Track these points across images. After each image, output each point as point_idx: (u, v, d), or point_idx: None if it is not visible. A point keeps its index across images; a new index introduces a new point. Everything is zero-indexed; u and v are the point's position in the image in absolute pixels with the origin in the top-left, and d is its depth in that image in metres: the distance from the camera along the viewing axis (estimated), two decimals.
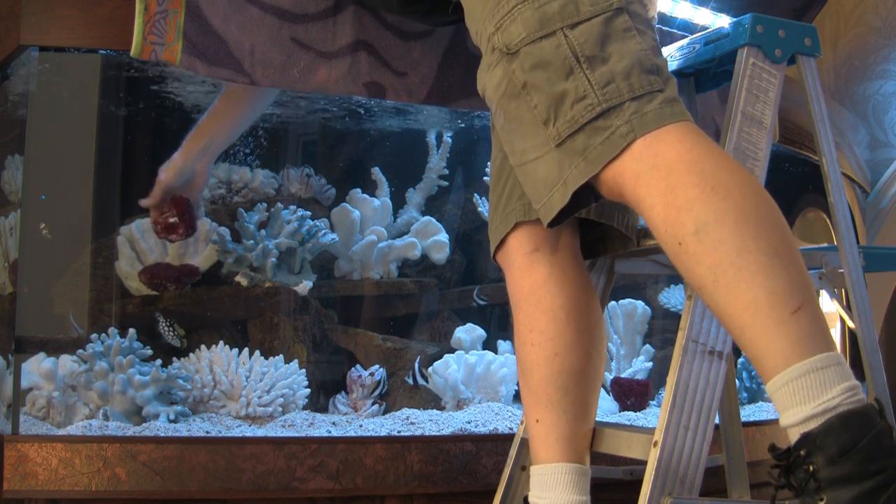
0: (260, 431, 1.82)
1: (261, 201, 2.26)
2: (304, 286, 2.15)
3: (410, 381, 2.11)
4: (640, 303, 2.54)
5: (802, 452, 0.92)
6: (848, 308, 1.36)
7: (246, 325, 2.18)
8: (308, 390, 2.03)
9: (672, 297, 2.68)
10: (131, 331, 1.89)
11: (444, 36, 1.73)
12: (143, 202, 1.78)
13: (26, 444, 1.59)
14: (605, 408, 2.26)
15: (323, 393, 2.16)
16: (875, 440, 0.92)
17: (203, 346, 1.99)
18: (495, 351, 2.27)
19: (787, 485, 0.95)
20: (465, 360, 2.15)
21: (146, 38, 1.51)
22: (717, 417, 1.35)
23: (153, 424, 1.78)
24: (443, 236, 2.42)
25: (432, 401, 2.13)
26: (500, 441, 1.79)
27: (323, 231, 2.26)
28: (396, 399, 2.15)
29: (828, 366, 0.94)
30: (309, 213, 2.25)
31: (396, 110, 2.40)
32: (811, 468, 0.92)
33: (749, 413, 2.43)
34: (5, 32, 1.70)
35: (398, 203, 2.47)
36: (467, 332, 2.29)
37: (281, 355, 2.03)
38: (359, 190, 2.39)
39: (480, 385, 2.15)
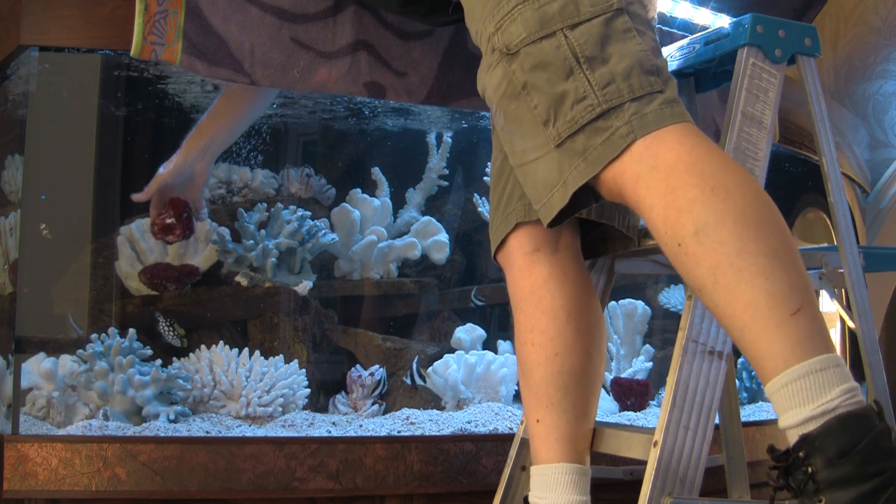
0: (260, 431, 1.82)
1: (261, 201, 2.26)
2: (304, 286, 2.15)
3: (408, 381, 2.11)
4: (640, 303, 2.54)
5: (801, 454, 0.92)
6: (848, 308, 1.36)
7: (246, 325, 2.18)
8: (308, 390, 2.03)
9: (672, 297, 2.68)
10: (131, 331, 1.89)
11: (444, 36, 1.73)
12: (136, 196, 1.77)
13: (26, 444, 1.59)
14: (605, 408, 2.26)
15: (323, 393, 2.16)
16: (874, 442, 0.92)
17: (203, 346, 1.99)
18: (495, 351, 2.27)
19: (785, 486, 0.95)
20: (465, 360, 2.15)
21: (146, 38, 1.51)
22: (717, 417, 1.35)
23: (153, 424, 1.78)
24: (443, 236, 2.42)
25: (432, 401, 2.13)
26: (500, 441, 1.79)
27: (323, 231, 2.26)
28: (396, 399, 2.15)
29: (827, 367, 0.94)
30: (309, 213, 2.25)
31: (396, 110, 2.40)
32: (810, 470, 0.92)
33: (749, 413, 2.43)
34: (5, 32, 1.70)
35: (398, 203, 2.47)
36: (467, 332, 2.29)
37: (281, 355, 2.03)
38: (359, 190, 2.39)
39: (480, 385, 2.15)
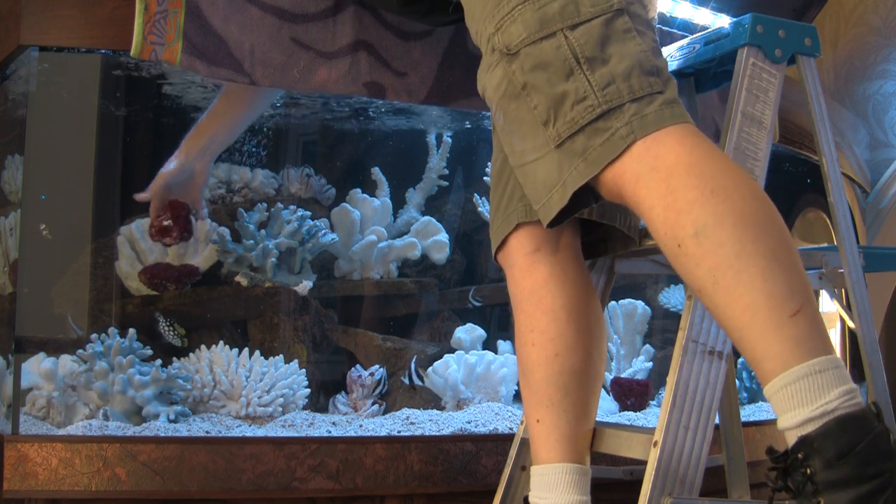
0: (260, 431, 1.82)
1: (261, 201, 2.26)
2: (304, 286, 2.15)
3: (406, 381, 2.11)
4: (640, 303, 2.54)
5: (800, 455, 0.93)
6: (848, 308, 1.36)
7: (246, 325, 2.18)
8: (308, 390, 2.03)
9: (672, 297, 2.68)
10: (131, 331, 1.89)
11: (444, 36, 1.73)
12: (139, 196, 1.78)
13: (26, 444, 1.59)
14: (605, 408, 2.26)
15: (323, 393, 2.16)
16: (872, 444, 0.92)
17: (203, 346, 1.99)
18: (495, 351, 2.27)
19: (784, 487, 0.95)
20: (465, 360, 2.15)
21: (146, 38, 1.51)
22: (717, 417, 1.35)
23: (153, 424, 1.78)
24: (443, 236, 2.42)
25: (432, 401, 2.13)
26: (500, 441, 1.79)
27: (323, 231, 2.26)
28: (396, 399, 2.15)
29: (826, 369, 0.94)
30: (309, 213, 2.25)
31: (396, 110, 2.40)
32: (808, 471, 0.92)
33: (749, 413, 2.43)
34: (5, 32, 1.70)
35: (398, 203, 2.47)
36: (467, 332, 2.29)
37: (281, 355, 2.03)
38: (359, 190, 2.39)
39: (480, 385, 2.15)
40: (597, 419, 1.30)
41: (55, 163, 2.03)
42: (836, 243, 1.38)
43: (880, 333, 3.63)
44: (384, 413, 2.07)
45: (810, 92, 1.36)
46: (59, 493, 1.59)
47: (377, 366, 2.13)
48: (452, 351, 2.23)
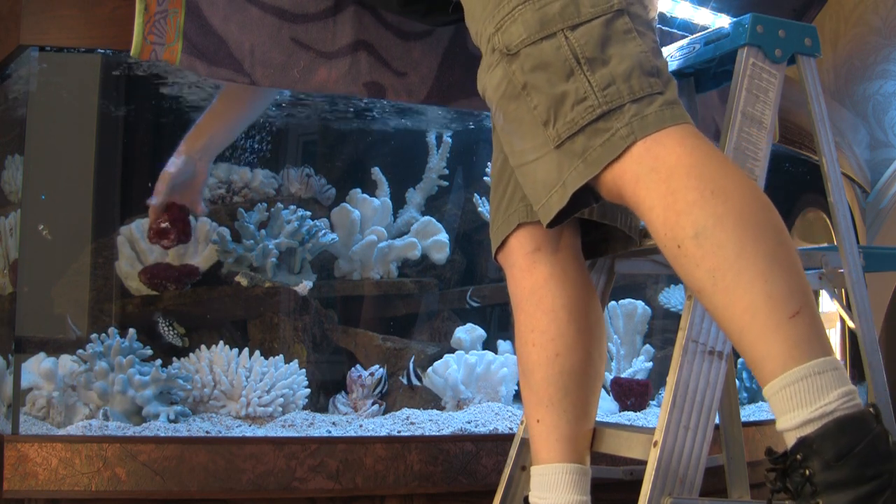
0: (260, 431, 1.82)
1: (261, 201, 2.26)
2: (304, 286, 2.15)
3: (405, 381, 2.11)
4: (640, 303, 2.54)
5: (799, 456, 0.93)
6: (848, 308, 1.36)
7: (246, 325, 2.18)
8: (308, 390, 2.03)
9: (672, 297, 2.68)
10: (131, 331, 1.89)
11: (444, 36, 1.73)
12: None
13: (26, 444, 1.59)
14: (605, 408, 2.26)
15: (323, 393, 2.16)
16: (871, 445, 0.92)
17: (203, 346, 1.99)
18: (495, 351, 2.27)
19: (783, 488, 0.95)
20: (465, 360, 2.15)
21: (146, 38, 1.51)
22: (717, 417, 1.35)
23: (153, 424, 1.78)
24: (443, 236, 2.42)
25: (432, 401, 2.13)
26: (500, 441, 1.79)
27: (323, 231, 2.26)
28: (396, 399, 2.15)
29: (825, 370, 0.94)
30: (309, 213, 2.25)
31: (396, 110, 2.40)
32: (807, 472, 0.92)
33: (749, 413, 2.43)
34: (5, 32, 1.70)
35: (398, 203, 2.47)
36: (467, 332, 2.29)
37: (281, 355, 2.03)
38: (359, 190, 2.39)
39: (480, 385, 2.15)
40: (597, 419, 1.30)
41: (55, 163, 2.03)
42: (836, 243, 1.38)
43: (880, 333, 3.63)
44: (384, 413, 2.07)
45: (810, 92, 1.36)
46: (59, 493, 1.59)
47: (377, 366, 2.13)
48: (452, 351, 2.23)
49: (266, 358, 2.01)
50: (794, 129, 2.46)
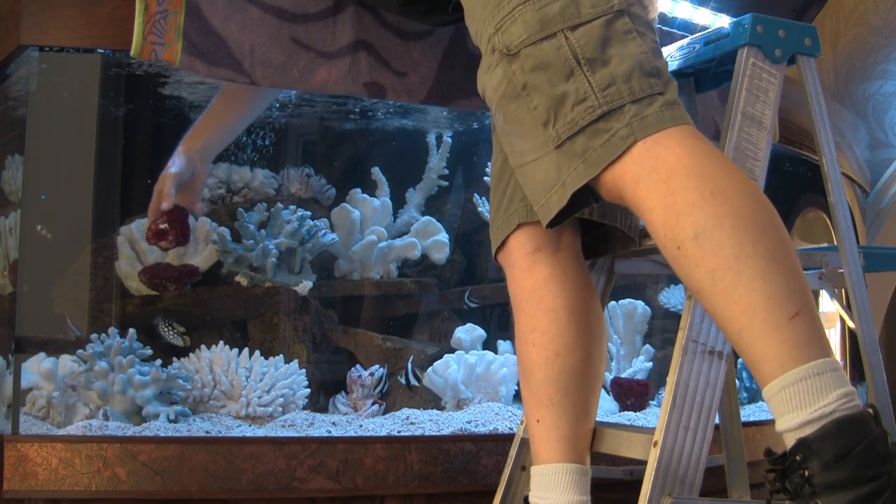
0: (260, 431, 1.82)
1: (261, 201, 2.26)
2: (304, 286, 2.15)
3: (403, 381, 2.12)
4: (640, 303, 2.54)
5: (798, 457, 0.93)
6: (848, 308, 1.36)
7: (246, 325, 2.18)
8: (308, 390, 2.03)
9: (672, 297, 2.68)
10: (131, 331, 1.89)
11: (444, 36, 1.73)
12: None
13: (26, 444, 1.59)
14: (605, 408, 2.26)
15: (323, 393, 2.16)
16: (870, 446, 0.92)
17: (203, 346, 1.99)
18: (495, 351, 2.27)
19: (782, 489, 0.95)
20: (465, 360, 2.15)
21: (146, 38, 1.51)
22: (717, 417, 1.35)
23: (153, 424, 1.78)
24: (443, 236, 2.42)
25: (432, 401, 2.13)
26: (500, 441, 1.79)
27: (323, 231, 2.26)
28: (396, 399, 2.15)
29: (824, 372, 0.94)
30: (309, 213, 2.25)
31: (396, 110, 2.40)
32: (806, 473, 0.92)
33: (749, 413, 2.43)
34: (5, 32, 1.70)
35: (398, 203, 2.47)
36: (467, 332, 2.29)
37: (281, 355, 2.03)
38: (359, 190, 2.39)
39: (480, 385, 2.15)
40: (597, 419, 1.30)
41: (55, 163, 2.03)
42: (836, 243, 1.38)
43: (880, 333, 3.63)
44: (384, 413, 2.07)
45: (810, 92, 1.36)
46: (59, 493, 1.59)
47: (377, 366, 2.13)
48: (452, 351, 2.23)
49: (266, 358, 2.01)
50: (794, 129, 2.46)
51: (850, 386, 0.95)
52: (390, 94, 1.70)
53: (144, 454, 1.61)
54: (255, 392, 1.94)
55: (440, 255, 2.41)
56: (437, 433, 1.87)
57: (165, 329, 2.03)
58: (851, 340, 2.97)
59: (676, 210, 1.00)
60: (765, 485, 0.97)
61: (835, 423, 0.92)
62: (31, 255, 1.92)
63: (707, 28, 2.05)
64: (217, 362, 1.96)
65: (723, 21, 2.48)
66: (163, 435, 1.72)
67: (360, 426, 1.89)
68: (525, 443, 1.42)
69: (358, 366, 2.16)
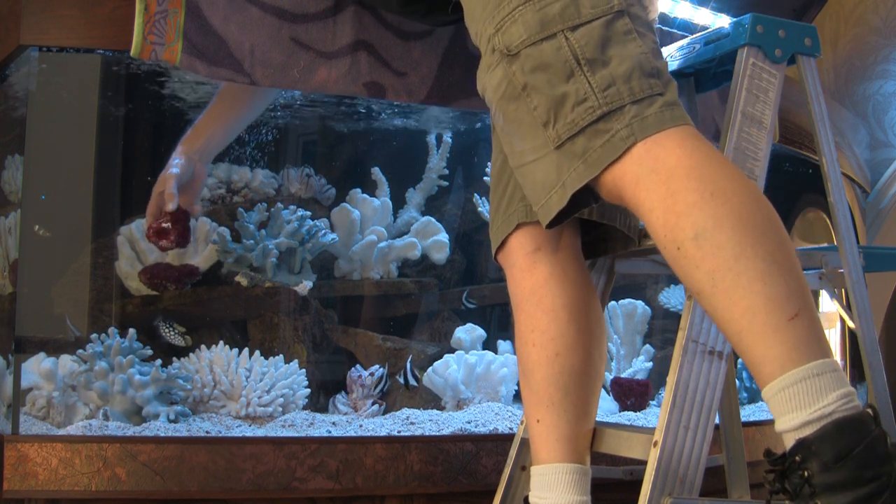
0: (260, 431, 1.82)
1: (261, 201, 2.26)
2: (304, 286, 2.15)
3: (402, 381, 2.12)
4: (640, 303, 2.54)
5: (797, 458, 0.93)
6: (848, 308, 1.36)
7: (246, 325, 2.18)
8: (308, 390, 2.03)
9: (672, 297, 2.68)
10: (131, 331, 1.89)
11: (444, 36, 1.73)
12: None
13: (26, 444, 1.59)
14: (605, 408, 2.26)
15: (323, 393, 2.16)
16: (870, 447, 0.92)
17: (203, 346, 1.99)
18: (495, 351, 2.27)
19: (781, 489, 0.95)
20: (465, 360, 2.15)
21: (146, 38, 1.51)
22: (717, 417, 1.35)
23: (153, 424, 1.78)
24: (443, 236, 2.42)
25: (432, 401, 2.13)
26: (500, 441, 1.79)
27: (323, 231, 2.26)
28: (396, 399, 2.15)
29: (823, 372, 0.94)
30: (309, 213, 2.25)
31: (396, 110, 2.40)
32: (806, 474, 0.92)
33: (749, 413, 2.43)
34: (5, 32, 1.70)
35: (398, 203, 2.47)
36: (467, 332, 2.29)
37: (281, 355, 2.03)
38: (359, 190, 2.39)
39: (480, 385, 2.15)
40: (597, 419, 1.30)
41: (55, 163, 2.03)
42: (836, 243, 1.38)
43: (880, 333, 3.63)
44: (384, 413, 2.07)
45: (810, 92, 1.36)
46: (59, 493, 1.59)
47: (377, 366, 2.13)
48: (452, 351, 2.23)
49: (266, 358, 2.01)
50: (794, 129, 2.46)
51: (850, 387, 0.96)
52: (390, 94, 1.70)
53: (144, 454, 1.61)
54: (255, 392, 1.94)
55: (440, 255, 2.41)
56: (437, 433, 1.87)
57: (167, 329, 2.03)
58: (851, 340, 2.97)
59: (676, 211, 1.00)
60: (764, 485, 0.97)
61: (834, 424, 0.92)
62: (31, 255, 1.92)
63: (707, 28, 2.05)
64: (217, 362, 1.96)
65: (723, 21, 2.48)
66: (163, 435, 1.72)
67: (360, 426, 1.89)
68: (525, 443, 1.42)
69: (358, 366, 2.16)
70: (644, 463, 1.15)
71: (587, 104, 1.05)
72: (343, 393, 2.13)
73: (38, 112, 1.83)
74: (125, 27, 1.55)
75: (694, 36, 1.50)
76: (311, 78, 1.63)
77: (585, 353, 1.26)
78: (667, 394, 1.16)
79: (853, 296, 1.34)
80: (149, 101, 2.23)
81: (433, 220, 2.44)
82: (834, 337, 3.10)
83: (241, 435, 1.77)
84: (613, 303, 2.52)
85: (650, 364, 2.46)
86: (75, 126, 2.12)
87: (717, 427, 1.40)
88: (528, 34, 1.09)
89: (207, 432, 1.78)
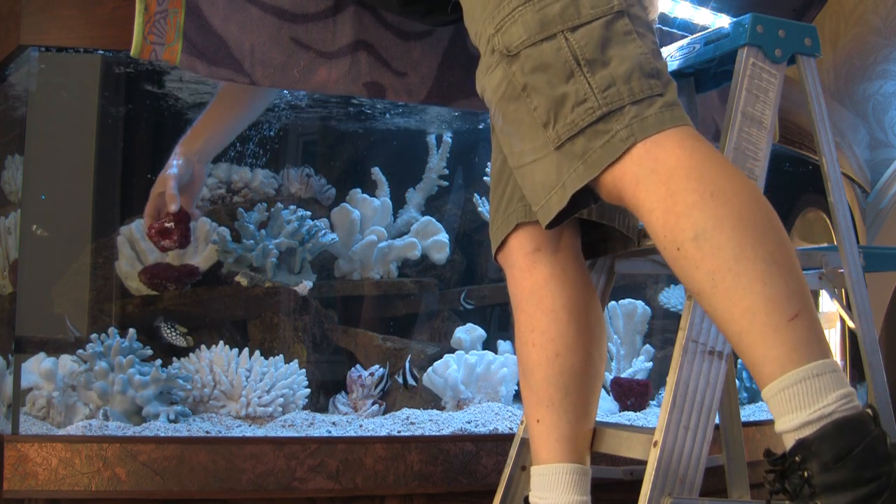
0: (260, 431, 1.82)
1: (261, 201, 2.26)
2: (304, 286, 2.15)
3: (400, 381, 2.12)
4: (640, 303, 2.54)
5: (797, 458, 0.93)
6: (848, 308, 1.36)
7: (246, 325, 2.18)
8: (308, 390, 2.03)
9: (672, 297, 2.68)
10: (131, 331, 1.89)
11: (444, 36, 1.73)
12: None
13: (26, 444, 1.59)
14: (605, 408, 2.26)
15: (323, 393, 2.16)
16: (870, 447, 0.92)
17: (203, 346, 1.99)
18: (495, 351, 2.27)
19: (781, 490, 0.95)
20: (465, 360, 2.15)
21: (146, 38, 1.51)
22: (717, 417, 1.35)
23: (153, 424, 1.78)
24: (443, 236, 2.42)
25: (432, 401, 2.13)
26: (500, 441, 1.79)
27: (323, 231, 2.26)
28: (396, 399, 2.15)
29: (823, 373, 0.94)
30: (309, 213, 2.25)
31: (396, 110, 2.40)
32: (806, 474, 0.92)
33: (749, 413, 2.43)
34: (5, 32, 1.70)
35: (398, 203, 2.47)
36: (467, 332, 2.29)
37: (281, 355, 2.03)
38: (359, 190, 2.39)
39: (480, 385, 2.15)
40: (597, 419, 1.30)
41: (55, 163, 2.03)
42: (836, 243, 1.38)
43: (880, 333, 3.63)
44: (384, 413, 2.07)
45: (810, 92, 1.36)
46: (59, 493, 1.59)
47: (377, 366, 2.13)
48: (452, 351, 2.23)
49: (266, 358, 2.01)
50: (794, 129, 2.46)
51: (850, 387, 0.96)
52: (390, 94, 1.70)
53: (144, 454, 1.61)
54: (255, 392, 1.94)
55: (440, 255, 2.41)
56: (437, 433, 1.87)
57: (169, 330, 2.03)
58: (851, 340, 2.97)
59: (676, 211, 1.00)
60: (764, 485, 0.97)
61: (834, 424, 0.92)
62: (31, 255, 1.92)
63: (707, 28, 2.05)
64: (217, 362, 1.96)
65: (723, 21, 2.48)
66: (163, 435, 1.72)
67: (360, 426, 1.89)
68: (525, 443, 1.42)
69: (358, 366, 2.16)
70: (644, 463, 1.15)
71: (587, 105, 1.05)
72: (343, 393, 2.13)
73: (38, 112, 1.83)
74: (125, 27, 1.55)
75: (694, 36, 1.50)
76: (311, 78, 1.63)
77: (585, 354, 1.26)
78: (667, 394, 1.16)
79: (853, 296, 1.34)
80: (149, 101, 2.23)
81: (433, 220, 2.44)
82: (834, 337, 3.10)
83: (241, 435, 1.77)
84: (613, 303, 2.52)
85: (650, 364, 2.46)
86: (75, 126, 2.12)
87: (717, 427, 1.40)
88: (527, 35, 1.09)
89: (207, 432, 1.78)
